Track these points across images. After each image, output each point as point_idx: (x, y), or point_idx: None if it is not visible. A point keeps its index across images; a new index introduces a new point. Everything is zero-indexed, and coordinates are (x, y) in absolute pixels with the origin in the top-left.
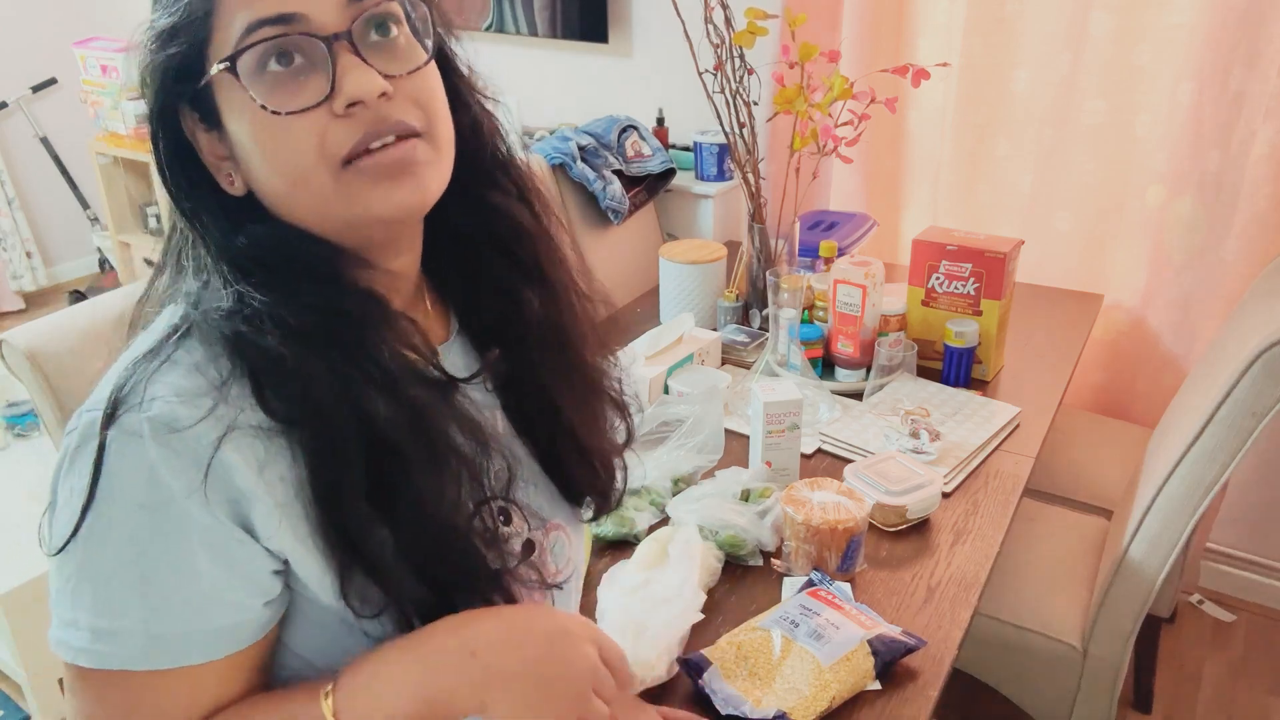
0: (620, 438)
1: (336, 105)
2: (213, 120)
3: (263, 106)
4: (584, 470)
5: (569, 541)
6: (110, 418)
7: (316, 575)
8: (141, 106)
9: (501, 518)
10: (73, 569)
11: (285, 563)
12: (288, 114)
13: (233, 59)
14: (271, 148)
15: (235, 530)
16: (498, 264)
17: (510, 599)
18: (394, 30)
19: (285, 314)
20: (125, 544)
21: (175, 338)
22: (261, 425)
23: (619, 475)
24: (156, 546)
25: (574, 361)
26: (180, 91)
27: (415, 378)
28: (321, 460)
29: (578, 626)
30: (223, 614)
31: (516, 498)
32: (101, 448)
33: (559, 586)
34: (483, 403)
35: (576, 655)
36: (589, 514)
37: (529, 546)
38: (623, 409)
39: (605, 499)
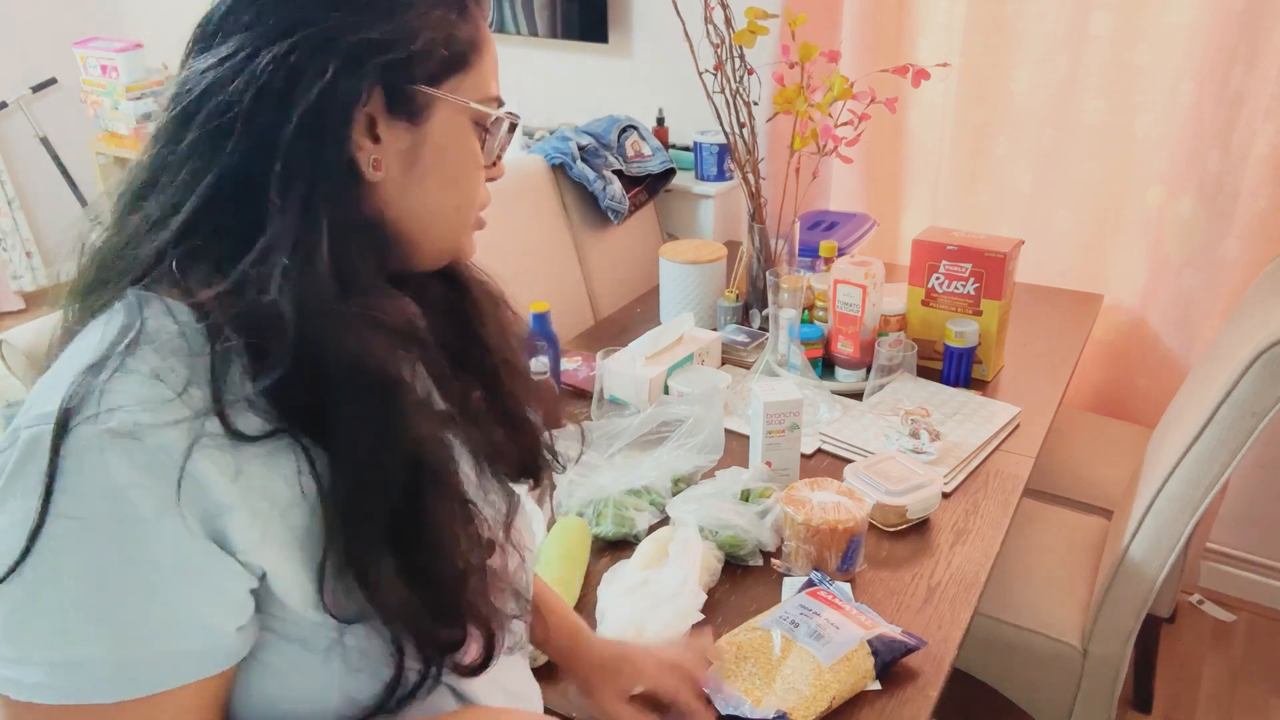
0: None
1: (494, 173)
2: (407, 113)
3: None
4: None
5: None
6: (62, 432)
7: (298, 583)
8: (144, 106)
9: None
10: (16, 601)
11: (262, 577)
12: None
13: (510, 115)
14: (461, 180)
15: (209, 546)
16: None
17: (487, 626)
18: None
19: (379, 311)
20: (87, 569)
21: (123, 347)
22: (228, 434)
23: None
24: (124, 569)
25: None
26: (409, 75)
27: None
28: (360, 480)
29: None
30: (194, 637)
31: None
32: (53, 465)
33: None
34: None
35: None
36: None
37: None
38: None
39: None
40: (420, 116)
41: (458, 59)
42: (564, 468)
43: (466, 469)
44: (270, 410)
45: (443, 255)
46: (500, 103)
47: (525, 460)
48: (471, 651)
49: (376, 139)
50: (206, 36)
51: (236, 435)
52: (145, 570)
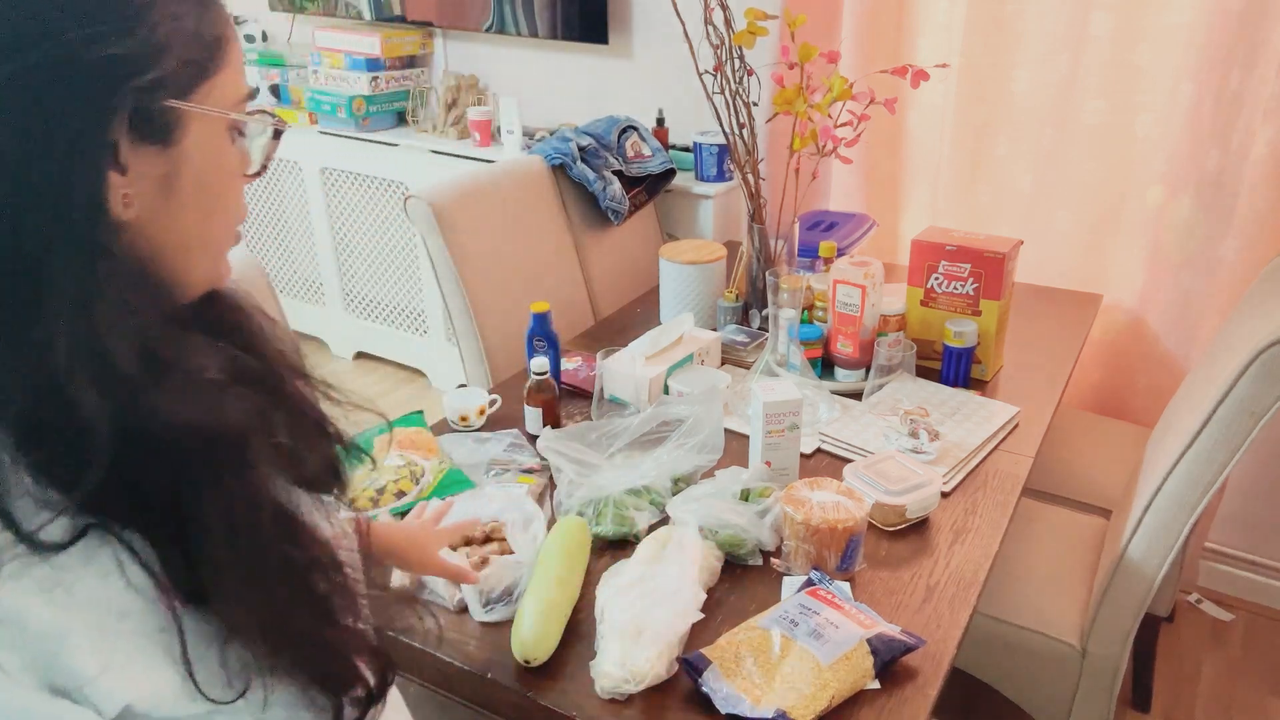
0: None
1: (252, 179)
2: (156, 135)
3: (251, 174)
4: None
5: None
6: None
7: (165, 683)
8: None
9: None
10: None
11: (123, 710)
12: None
13: (271, 114)
14: (225, 198)
15: (42, 697)
16: None
17: (373, 648)
18: None
19: (210, 363)
20: None
21: None
22: (33, 550)
23: None
24: None
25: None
26: (158, 91)
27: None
28: (227, 548)
29: None
30: None
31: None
32: None
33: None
34: None
35: None
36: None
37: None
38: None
39: None
40: (172, 136)
41: (206, 61)
42: (375, 463)
43: (301, 495)
44: (71, 505)
45: (204, 285)
46: (253, 94)
47: (334, 468)
48: (364, 683)
49: (123, 170)
50: None
51: (44, 548)
52: None
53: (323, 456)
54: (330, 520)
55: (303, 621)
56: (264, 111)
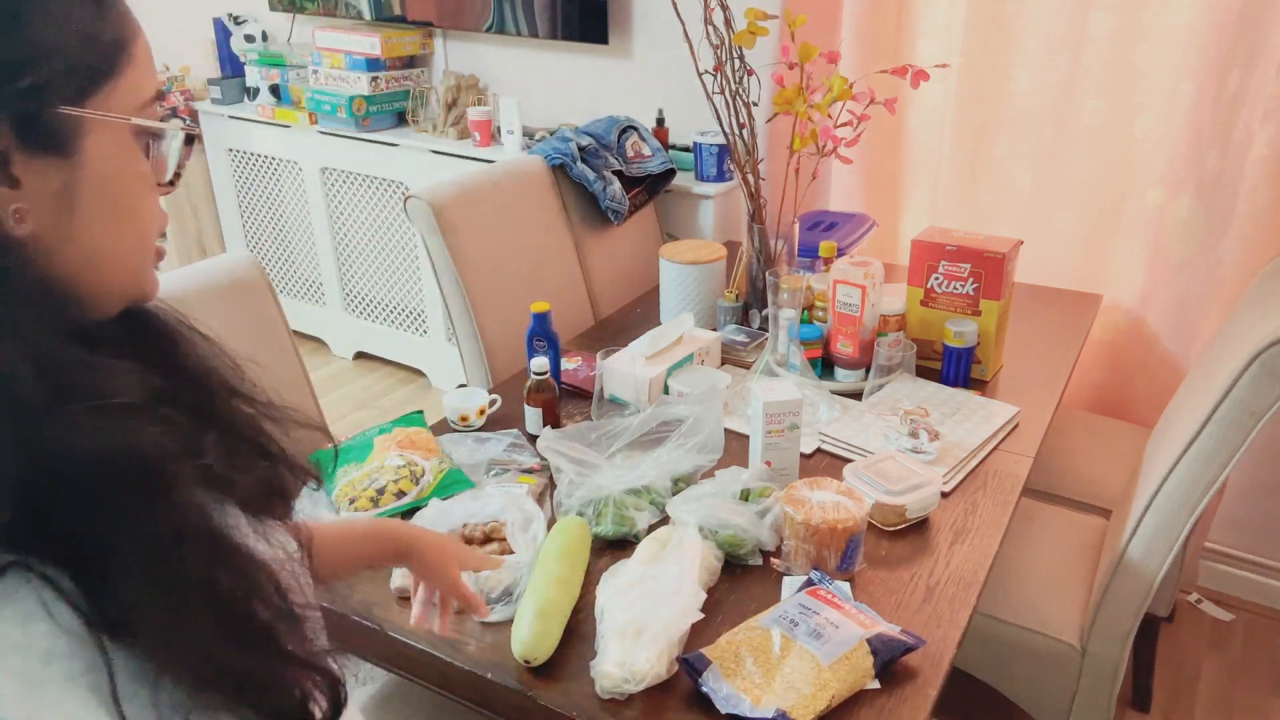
0: None
1: (167, 190)
2: (50, 145)
3: (167, 182)
4: None
5: None
6: None
7: None
8: None
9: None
10: None
11: None
12: (156, 187)
13: (188, 123)
14: (135, 209)
15: None
16: None
17: (325, 671)
18: None
19: (133, 385)
20: None
21: None
22: None
23: None
24: None
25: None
26: (47, 98)
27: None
28: (152, 579)
29: None
30: None
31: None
32: None
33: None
34: None
35: None
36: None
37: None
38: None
39: None
40: (69, 146)
41: (105, 65)
42: (318, 483)
43: (239, 517)
44: None
45: (122, 299)
46: (160, 96)
47: (276, 488)
48: (321, 705)
49: (14, 183)
50: None
51: None
52: None
53: (261, 478)
54: (271, 541)
55: (240, 653)
56: (174, 115)
